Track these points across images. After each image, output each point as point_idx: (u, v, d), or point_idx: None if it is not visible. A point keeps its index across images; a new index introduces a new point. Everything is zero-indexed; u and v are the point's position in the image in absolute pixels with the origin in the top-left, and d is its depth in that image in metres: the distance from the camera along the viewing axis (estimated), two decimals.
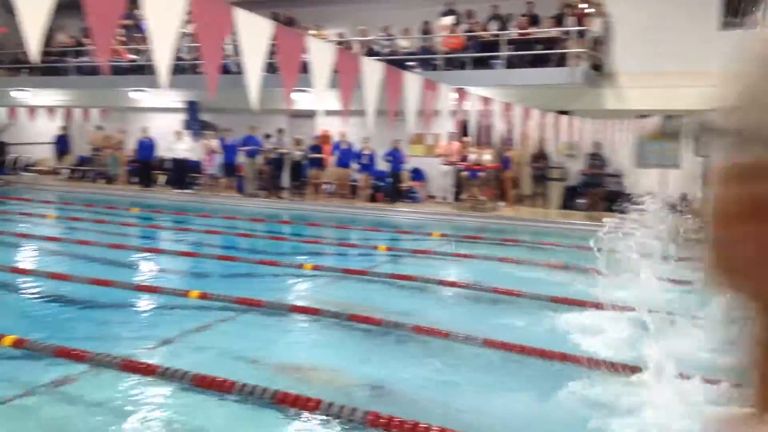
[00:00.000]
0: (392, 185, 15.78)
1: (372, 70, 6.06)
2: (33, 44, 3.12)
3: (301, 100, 17.14)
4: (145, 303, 6.58)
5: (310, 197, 16.35)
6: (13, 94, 21.14)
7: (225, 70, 17.54)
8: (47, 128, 20.14)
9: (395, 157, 15.63)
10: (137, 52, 19.24)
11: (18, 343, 4.78)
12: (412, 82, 6.82)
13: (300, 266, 8.43)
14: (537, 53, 14.72)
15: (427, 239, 11.29)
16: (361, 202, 15.55)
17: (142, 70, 18.94)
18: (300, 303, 6.47)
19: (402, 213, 14.55)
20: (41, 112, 18.71)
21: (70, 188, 18.15)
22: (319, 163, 16.23)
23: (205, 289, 6.80)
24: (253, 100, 5.33)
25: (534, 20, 15.25)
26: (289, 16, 17.76)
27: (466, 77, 14.21)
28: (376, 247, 9.98)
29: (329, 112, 17.76)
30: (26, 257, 8.97)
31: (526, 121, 11.47)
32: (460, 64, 15.73)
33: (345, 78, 6.38)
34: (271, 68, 5.74)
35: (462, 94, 8.49)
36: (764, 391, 0.54)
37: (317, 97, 6.35)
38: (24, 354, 4.73)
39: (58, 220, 12.21)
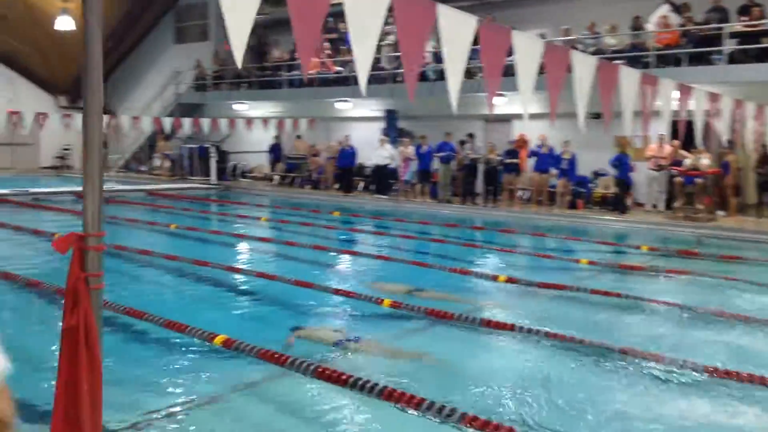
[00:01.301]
0: (620, 195, 14.53)
1: (584, 66, 5.51)
2: (238, 56, 3.23)
3: (498, 104, 16.87)
4: (340, 308, 6.69)
5: (504, 204, 15.95)
6: (235, 107, 23.27)
7: (423, 77, 17.91)
8: (262, 138, 21.86)
9: (622, 162, 14.39)
10: (342, 64, 20.20)
11: (227, 343, 5.02)
12: (628, 78, 6.15)
13: (494, 277, 8.13)
14: (764, 47, 13.06)
15: (635, 252, 10.40)
16: (559, 210, 14.83)
17: (347, 81, 19.86)
18: (493, 317, 6.16)
19: (606, 222, 13.62)
20: (257, 123, 20.31)
21: (281, 193, 19.49)
22: (514, 169, 15.74)
23: (397, 297, 6.77)
24: (453, 102, 5.15)
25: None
26: (488, 20, 17.49)
27: (682, 74, 12.92)
28: (577, 260, 9.36)
29: (529, 116, 17.33)
30: (239, 257, 9.65)
31: (751, 121, 10.13)
32: (674, 61, 14.41)
33: (553, 76, 5.95)
34: (467, 74, 5.53)
35: (685, 90, 7.63)
36: None
37: (521, 99, 6.03)
38: (231, 354, 4.96)
39: (268, 222, 13.08)
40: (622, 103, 6.25)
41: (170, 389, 4.43)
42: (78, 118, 19.79)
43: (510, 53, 5.43)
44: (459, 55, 4.90)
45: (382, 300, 6.65)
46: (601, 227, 13.19)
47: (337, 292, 7.09)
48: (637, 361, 5.00)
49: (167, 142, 24.13)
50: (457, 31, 4.84)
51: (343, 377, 4.31)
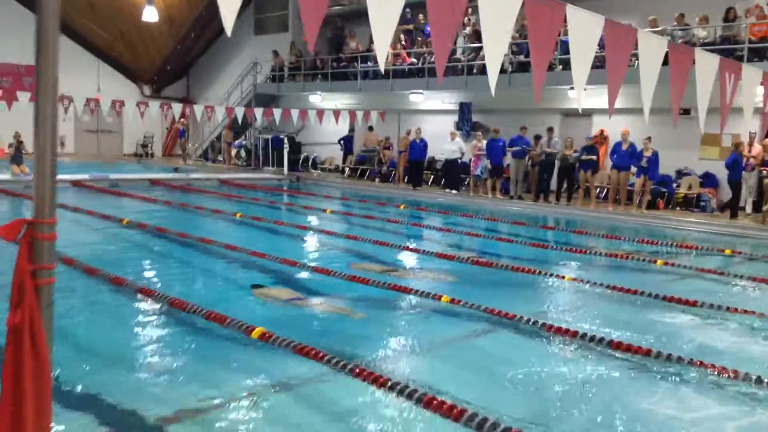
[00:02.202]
0: (733, 198, 13.42)
1: (654, 50, 5.09)
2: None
3: (578, 98, 16.15)
4: (396, 305, 6.43)
5: (580, 202, 15.28)
6: (310, 98, 23.37)
7: (500, 69, 17.32)
8: (336, 129, 21.86)
9: (738, 164, 13.21)
10: (417, 56, 19.90)
11: (264, 336, 4.87)
12: (707, 65, 5.68)
13: (561, 277, 7.68)
14: None
15: (718, 256, 9.66)
16: (637, 210, 14.04)
17: (421, 73, 19.56)
18: (556, 322, 5.76)
19: (688, 224, 12.79)
20: (330, 115, 20.31)
21: (350, 185, 19.42)
22: (592, 166, 15.02)
23: (458, 293, 6.46)
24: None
25: None
26: None
27: None
28: (653, 261, 8.75)
29: (603, 111, 16.51)
30: (297, 249, 9.51)
31: None
32: None
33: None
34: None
35: None
36: None
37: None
38: (266, 348, 4.79)
39: (333, 215, 12.96)
40: (703, 98, 5.73)
41: (211, 381, 4.31)
42: (175, 108, 20.32)
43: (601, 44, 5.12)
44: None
45: (440, 296, 6.37)
46: (682, 229, 12.40)
47: (394, 288, 6.83)
48: (713, 377, 4.52)
49: (230, 131, 24.57)
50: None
51: (381, 380, 4.06)
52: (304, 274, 7.58)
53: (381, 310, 6.33)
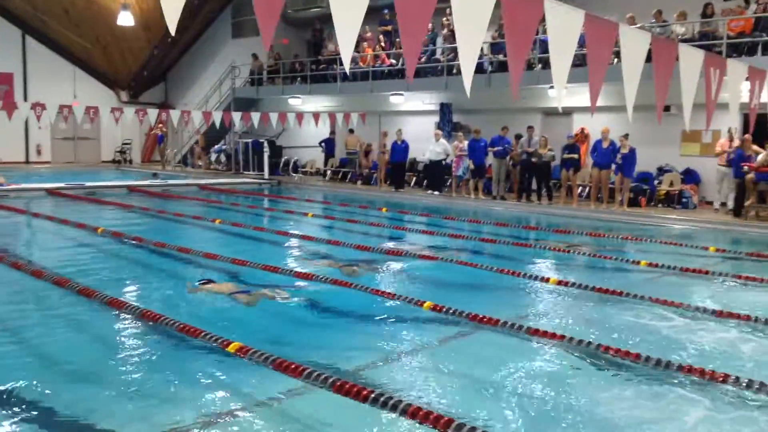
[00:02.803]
0: (738, 197, 13.07)
1: (637, 45, 5.04)
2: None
3: (557, 97, 16.12)
4: (377, 310, 6.29)
5: (562, 201, 15.23)
6: (290, 101, 23.17)
7: (479, 69, 17.34)
8: (317, 133, 21.68)
9: (743, 159, 12.90)
10: (397, 57, 19.78)
11: (241, 351, 4.70)
12: (691, 60, 5.63)
13: (545, 280, 7.58)
14: None
15: (701, 254, 9.63)
16: (619, 208, 14.02)
17: (401, 74, 19.44)
18: (540, 326, 5.65)
19: (669, 221, 12.79)
20: (310, 118, 20.14)
21: (332, 188, 19.25)
22: (573, 164, 14.97)
23: (441, 298, 6.34)
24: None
25: None
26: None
27: (755, 64, 11.97)
28: (636, 262, 8.69)
29: (584, 109, 16.49)
30: (277, 255, 9.30)
31: None
32: (747, 50, 13.42)
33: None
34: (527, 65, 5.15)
35: (757, 77, 6.91)
36: None
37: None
38: (245, 363, 4.63)
39: (315, 219, 12.79)
40: (684, 94, 5.67)
41: (186, 399, 4.14)
42: (151, 114, 20.00)
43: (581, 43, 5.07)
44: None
45: (422, 302, 6.23)
46: (664, 227, 12.38)
47: (375, 292, 6.70)
48: (705, 383, 4.43)
49: (203, 136, 24.38)
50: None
51: (363, 393, 3.91)
52: (285, 280, 7.41)
53: (360, 315, 6.20)
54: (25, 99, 25.05)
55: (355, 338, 5.56)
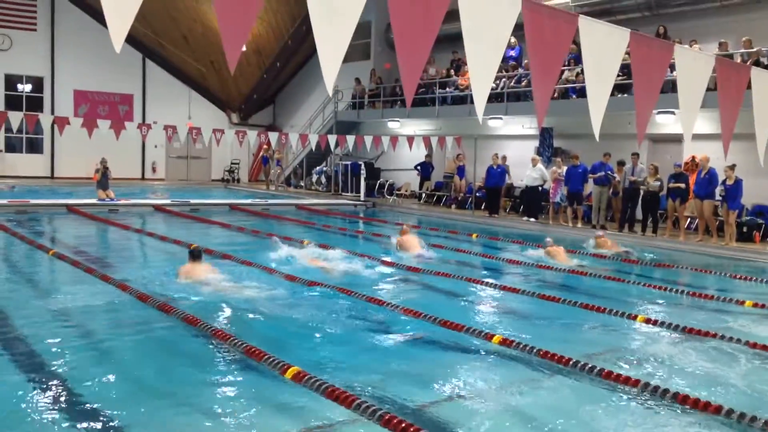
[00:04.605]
0: None
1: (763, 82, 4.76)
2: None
3: (666, 123, 15.25)
4: (441, 342, 6.04)
5: (668, 233, 14.30)
6: (389, 124, 23.35)
7: (580, 93, 16.72)
8: (415, 155, 21.68)
9: None
10: (497, 80, 19.47)
11: (297, 377, 4.62)
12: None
13: (633, 317, 7.04)
14: None
15: None
16: (727, 243, 12.94)
17: (501, 98, 19.10)
18: (624, 371, 5.19)
19: None
20: (404, 141, 20.16)
21: (425, 212, 19.11)
22: (680, 194, 14.03)
23: (514, 333, 6.01)
24: (594, 125, 4.53)
25: None
26: (659, 31, 16.01)
27: None
28: (741, 302, 7.92)
29: (699, 136, 15.44)
30: (356, 278, 9.18)
31: None
32: None
33: (726, 94, 5.18)
34: (624, 88, 4.93)
35: None
36: None
37: (682, 118, 5.36)
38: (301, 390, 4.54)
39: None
40: None
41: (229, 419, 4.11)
42: (251, 135, 20.93)
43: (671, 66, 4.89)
44: (603, 73, 4.35)
45: (491, 335, 5.94)
46: None
47: (443, 324, 6.45)
48: None
49: (277, 151, 25.16)
50: (601, 46, 4.27)
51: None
52: (354, 303, 7.31)
53: (427, 344, 5.98)
54: (143, 119, 26.77)
55: (419, 368, 5.34)
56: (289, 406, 4.40)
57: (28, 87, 26.11)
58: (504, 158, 18.35)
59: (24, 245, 10.89)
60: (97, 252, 10.98)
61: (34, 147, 26.34)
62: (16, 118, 17.61)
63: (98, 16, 23.80)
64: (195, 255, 7.98)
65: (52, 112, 24.58)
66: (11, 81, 25.77)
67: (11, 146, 26.00)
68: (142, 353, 5.56)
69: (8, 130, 22.31)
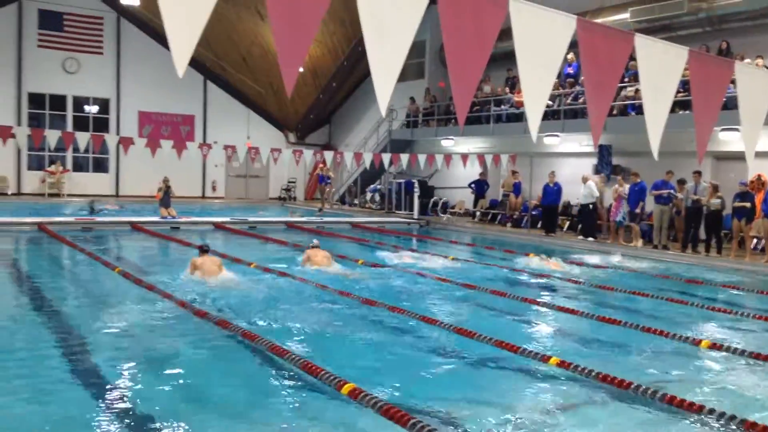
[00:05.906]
0: None
1: None
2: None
3: (731, 140, 14.78)
4: (498, 362, 5.97)
5: (733, 254, 13.78)
6: (443, 142, 23.36)
7: (639, 111, 16.37)
8: (470, 173, 21.61)
9: None
10: (553, 97, 19.26)
11: (353, 393, 4.64)
12: None
13: (696, 342, 6.80)
14: None
15: None
16: None
17: (557, 115, 18.88)
18: (686, 395, 5.02)
19: None
20: (458, 159, 20.14)
21: (480, 230, 18.96)
22: (745, 214, 13.52)
23: (571, 355, 5.89)
24: (653, 144, 4.45)
25: None
26: (722, 47, 15.59)
27: None
28: None
29: (763, 154, 14.89)
30: (407, 295, 9.17)
31: None
32: None
33: None
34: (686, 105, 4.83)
35: None
36: None
37: (744, 137, 5.21)
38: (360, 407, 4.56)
39: (453, 261, 12.56)
40: None
41: None
42: (307, 154, 21.32)
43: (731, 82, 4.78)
44: (662, 93, 4.27)
45: (548, 357, 5.83)
46: None
47: (498, 344, 6.36)
48: None
49: (326, 167, 25.22)
50: (659, 65, 4.21)
51: None
52: (406, 322, 7.30)
53: (481, 364, 5.91)
54: (204, 139, 27.53)
55: (471, 391, 5.29)
56: (343, 422, 4.43)
57: (94, 108, 27.25)
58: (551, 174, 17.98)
59: (92, 262, 11.27)
60: (159, 270, 11.27)
61: (100, 166, 27.41)
62: (83, 138, 18.45)
63: (162, 40, 24.71)
64: (203, 250, 9.57)
65: (118, 133, 25.58)
66: (79, 103, 26.94)
67: (78, 166, 27.11)
68: (200, 367, 5.68)
69: (76, 150, 23.28)
